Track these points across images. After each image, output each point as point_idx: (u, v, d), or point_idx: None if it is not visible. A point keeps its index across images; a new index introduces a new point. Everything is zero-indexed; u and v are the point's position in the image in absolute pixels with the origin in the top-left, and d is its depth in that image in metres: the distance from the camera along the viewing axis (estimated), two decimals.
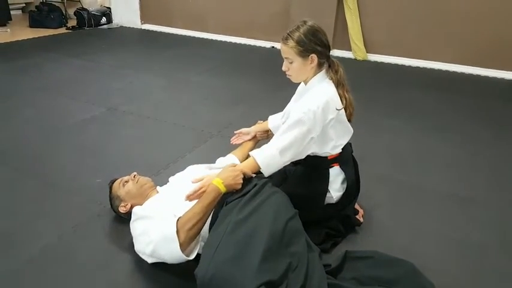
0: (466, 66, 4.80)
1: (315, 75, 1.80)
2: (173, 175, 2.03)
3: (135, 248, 1.70)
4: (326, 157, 1.84)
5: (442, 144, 2.96)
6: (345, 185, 1.90)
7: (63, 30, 6.42)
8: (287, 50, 1.74)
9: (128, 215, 1.81)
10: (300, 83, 1.91)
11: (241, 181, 1.63)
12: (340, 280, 1.55)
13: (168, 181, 2.01)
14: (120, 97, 3.69)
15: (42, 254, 1.78)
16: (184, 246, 1.53)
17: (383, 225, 2.05)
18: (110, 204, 1.97)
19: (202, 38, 6.21)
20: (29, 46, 5.40)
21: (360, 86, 4.25)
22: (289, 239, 1.50)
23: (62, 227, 1.94)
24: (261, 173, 1.75)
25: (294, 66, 1.76)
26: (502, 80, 4.59)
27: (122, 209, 1.88)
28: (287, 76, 1.83)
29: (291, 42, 1.72)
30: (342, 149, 1.86)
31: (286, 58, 1.77)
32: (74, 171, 2.46)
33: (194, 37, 6.29)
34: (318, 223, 1.89)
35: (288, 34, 1.73)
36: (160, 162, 2.57)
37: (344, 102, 1.79)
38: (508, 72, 4.63)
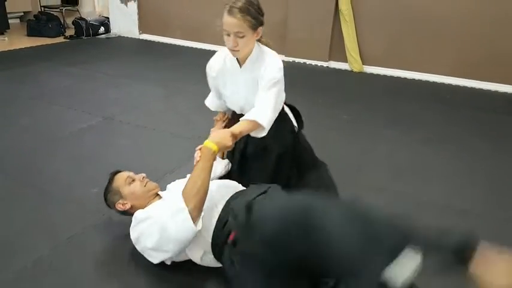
0: (462, 78, 4.84)
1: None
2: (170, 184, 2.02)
3: (138, 249, 1.66)
4: None
5: (438, 156, 2.97)
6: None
7: (61, 39, 6.44)
8: (239, 23, 1.65)
9: (121, 213, 1.80)
10: (212, 68, 2.09)
11: (231, 139, 1.68)
12: None
13: (166, 188, 2.00)
14: (117, 106, 3.69)
15: (36, 265, 1.76)
16: (194, 214, 1.52)
17: None
18: (104, 194, 1.86)
19: (200, 48, 6.24)
20: (26, 55, 5.41)
21: (356, 97, 4.30)
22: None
23: (57, 238, 1.92)
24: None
25: (243, 40, 1.70)
26: (496, 93, 4.63)
27: (119, 206, 1.78)
28: (232, 52, 1.80)
29: (243, 15, 1.64)
30: None
31: (237, 32, 1.67)
32: (70, 180, 2.45)
33: (192, 47, 6.32)
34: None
35: (233, 7, 1.65)
36: (156, 172, 2.55)
37: None
38: (504, 85, 4.67)
